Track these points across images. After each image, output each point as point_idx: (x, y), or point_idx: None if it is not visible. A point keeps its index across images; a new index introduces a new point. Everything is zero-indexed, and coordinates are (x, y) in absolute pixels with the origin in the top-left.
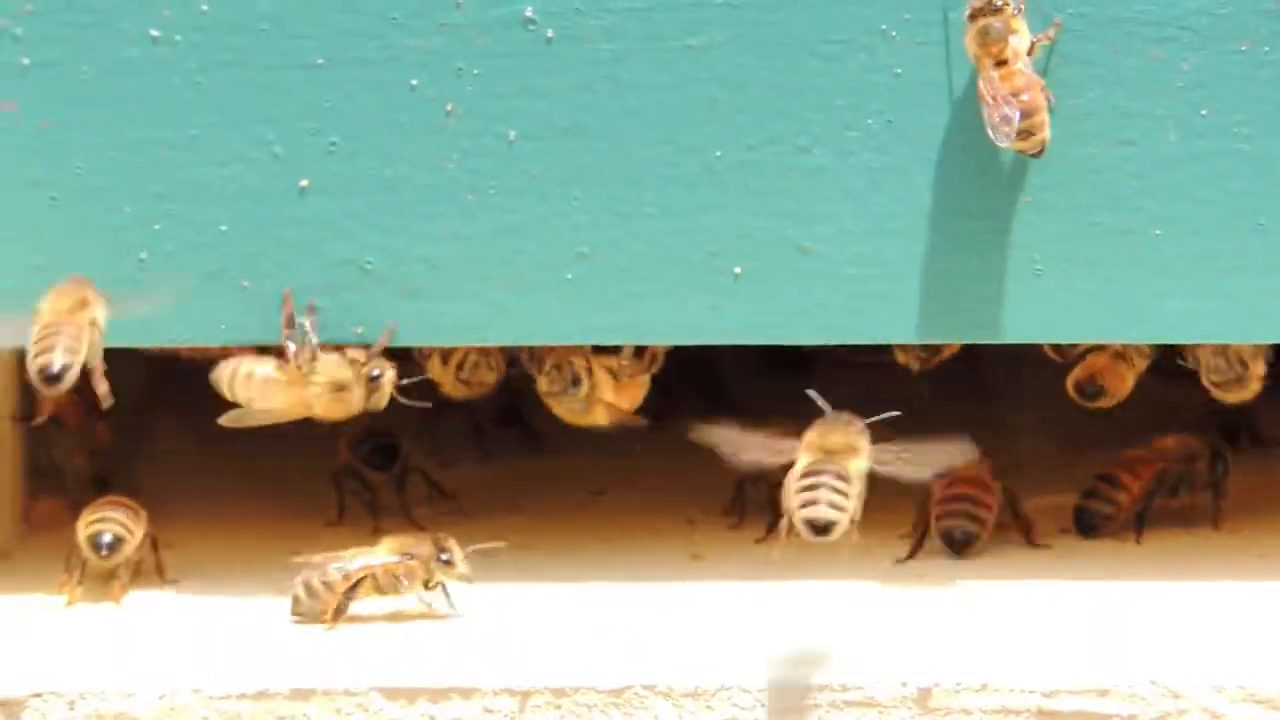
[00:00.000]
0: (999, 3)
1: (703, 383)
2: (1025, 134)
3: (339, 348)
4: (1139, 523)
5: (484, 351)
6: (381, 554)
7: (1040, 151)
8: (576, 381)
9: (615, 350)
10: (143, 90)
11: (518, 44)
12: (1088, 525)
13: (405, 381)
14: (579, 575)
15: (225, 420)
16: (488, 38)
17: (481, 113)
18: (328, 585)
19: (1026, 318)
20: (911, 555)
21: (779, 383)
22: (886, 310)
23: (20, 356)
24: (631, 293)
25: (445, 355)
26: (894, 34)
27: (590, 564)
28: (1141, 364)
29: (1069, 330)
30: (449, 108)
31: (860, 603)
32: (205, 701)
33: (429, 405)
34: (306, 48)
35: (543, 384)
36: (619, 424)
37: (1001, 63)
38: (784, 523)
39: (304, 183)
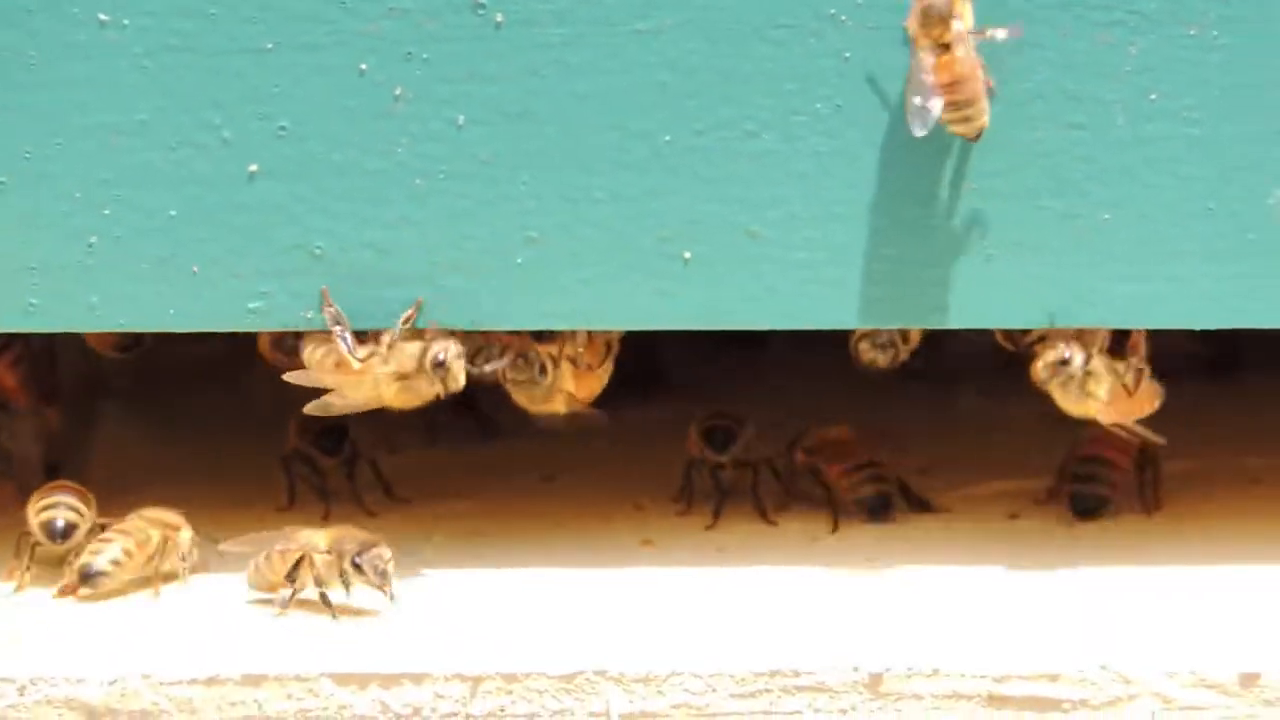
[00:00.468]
0: None
1: (643, 364)
2: (963, 120)
3: (419, 333)
4: (1151, 491)
5: None
6: (302, 540)
7: (978, 136)
8: (543, 370)
9: (554, 337)
10: (90, 74)
11: (467, 28)
12: (1087, 509)
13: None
14: (530, 561)
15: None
16: (437, 22)
17: (431, 97)
18: (269, 562)
19: (976, 303)
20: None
21: (720, 363)
22: (836, 295)
23: None
24: (581, 278)
25: None
26: (844, 18)
27: (541, 550)
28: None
29: (1019, 316)
30: (398, 92)
31: (811, 588)
32: (155, 687)
33: None
34: (255, 32)
35: (508, 372)
36: (576, 414)
37: (944, 46)
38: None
39: (253, 168)
